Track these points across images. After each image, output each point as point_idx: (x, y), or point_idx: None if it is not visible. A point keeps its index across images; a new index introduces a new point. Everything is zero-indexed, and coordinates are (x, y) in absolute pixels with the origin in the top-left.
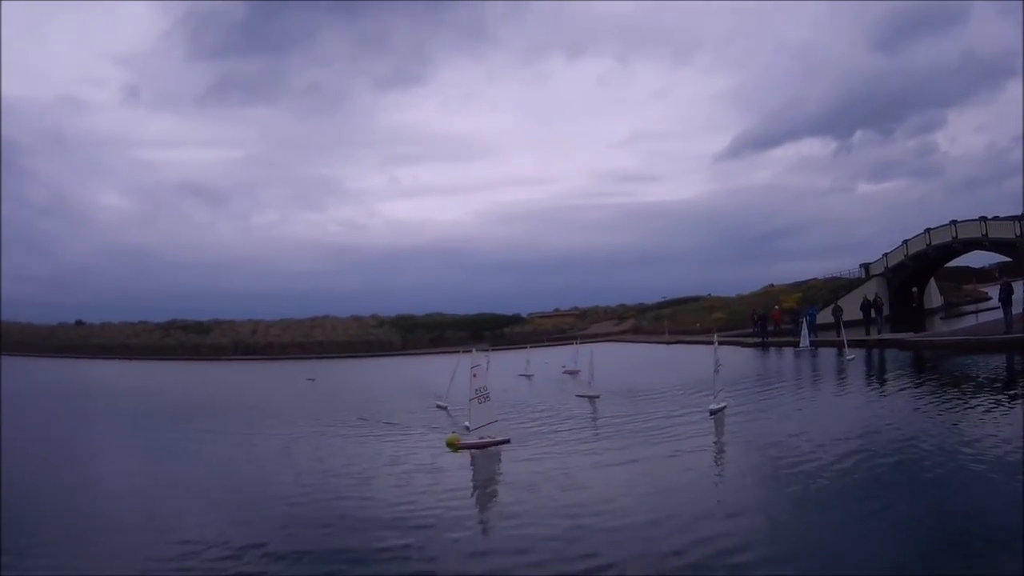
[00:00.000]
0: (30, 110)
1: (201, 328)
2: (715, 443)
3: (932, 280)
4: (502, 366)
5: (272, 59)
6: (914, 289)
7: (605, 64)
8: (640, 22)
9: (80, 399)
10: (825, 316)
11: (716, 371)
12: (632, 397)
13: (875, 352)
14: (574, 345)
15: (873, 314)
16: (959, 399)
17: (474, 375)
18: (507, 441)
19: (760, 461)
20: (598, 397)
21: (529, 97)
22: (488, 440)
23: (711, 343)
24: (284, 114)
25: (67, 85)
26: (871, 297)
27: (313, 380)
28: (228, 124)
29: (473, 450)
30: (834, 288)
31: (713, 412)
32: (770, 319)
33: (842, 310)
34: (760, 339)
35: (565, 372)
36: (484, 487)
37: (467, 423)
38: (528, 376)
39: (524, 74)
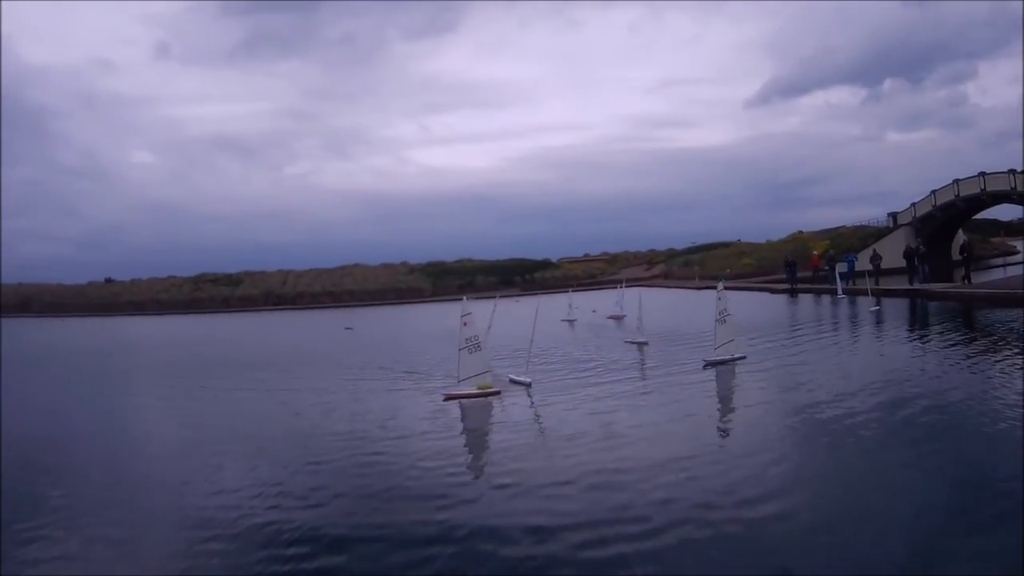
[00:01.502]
0: (61, 75)
1: (231, 280)
2: (730, 394)
3: (960, 231)
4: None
5: (303, 12)
6: (964, 239)
7: (637, 11)
8: None
9: (110, 356)
10: (864, 263)
11: (720, 321)
12: (677, 343)
13: (904, 302)
14: (619, 289)
15: (916, 263)
16: (983, 352)
17: (464, 323)
18: (498, 393)
19: (783, 413)
20: (647, 344)
21: (561, 44)
22: (480, 391)
23: (741, 289)
24: (316, 66)
25: (98, 47)
26: (914, 245)
27: (351, 329)
28: (259, 78)
29: (462, 400)
30: (863, 236)
31: (708, 364)
32: (801, 266)
33: (881, 257)
34: (790, 285)
35: (609, 317)
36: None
37: (513, 375)
38: (571, 321)
39: (556, 21)
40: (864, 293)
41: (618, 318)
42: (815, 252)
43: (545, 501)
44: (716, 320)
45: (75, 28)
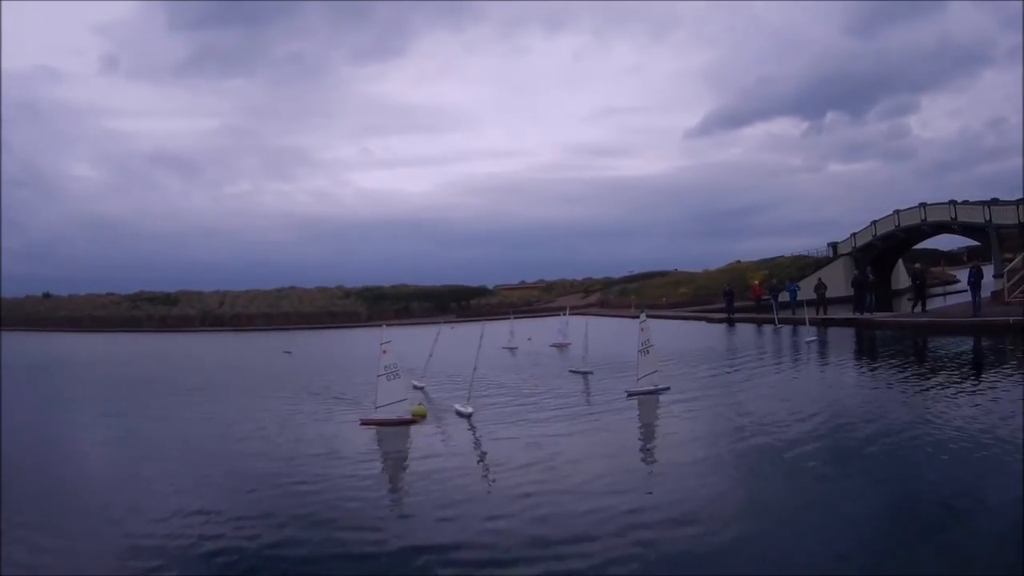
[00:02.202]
0: (6, 80)
1: (168, 299)
2: (662, 428)
3: (900, 261)
4: (471, 339)
5: (252, 30)
6: (917, 265)
7: (582, 39)
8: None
9: (46, 373)
10: (808, 292)
11: (643, 352)
12: (621, 373)
13: (847, 332)
14: (563, 316)
15: (865, 291)
16: (919, 380)
17: (383, 351)
18: (412, 422)
19: (713, 442)
20: (591, 373)
21: (505, 70)
22: (396, 418)
23: (678, 318)
24: (261, 85)
25: (45, 55)
26: (860, 274)
27: (290, 353)
28: (205, 94)
29: (379, 427)
30: (802, 266)
31: (632, 394)
32: (741, 295)
33: (826, 286)
34: (728, 315)
35: (553, 346)
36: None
37: (458, 405)
38: (511, 349)
39: (502, 47)
40: (803, 323)
41: (561, 346)
42: (756, 282)
43: (484, 552)
44: (638, 351)
45: (24, 33)
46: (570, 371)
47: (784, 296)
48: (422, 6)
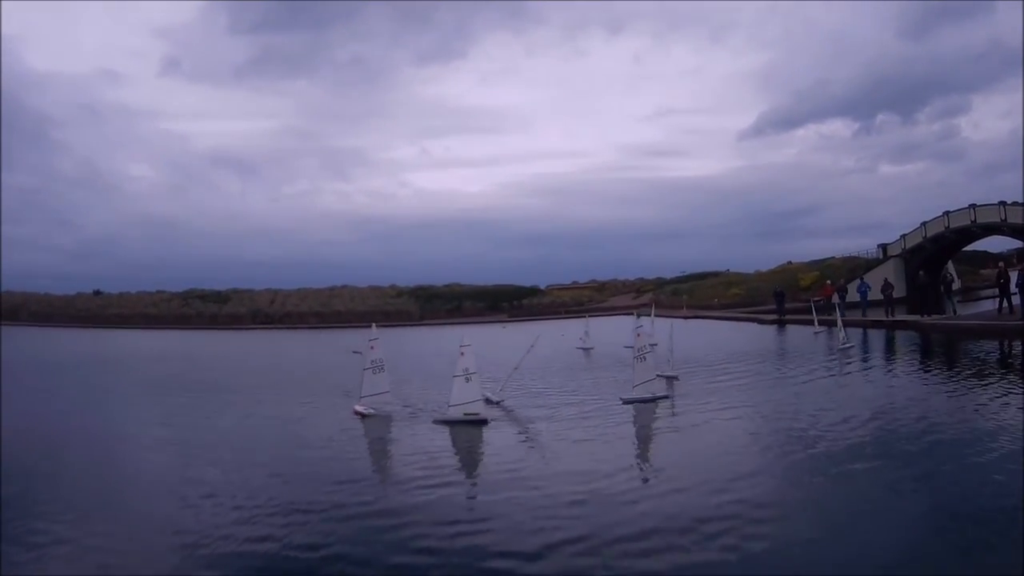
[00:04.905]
0: (66, 83)
1: (219, 297)
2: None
3: (950, 263)
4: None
5: (314, 33)
6: (1001, 264)
7: (642, 42)
8: (679, 1)
9: (93, 369)
10: (875, 292)
11: (639, 359)
12: (715, 378)
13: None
14: (642, 316)
15: (946, 293)
16: (963, 384)
17: (371, 347)
18: (363, 416)
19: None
20: (677, 379)
21: (566, 72)
22: (364, 411)
23: (730, 319)
24: (322, 87)
25: (106, 58)
26: (933, 275)
27: (359, 353)
28: (265, 96)
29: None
30: (852, 267)
31: (627, 402)
32: (787, 296)
33: (893, 286)
34: (778, 316)
35: (629, 347)
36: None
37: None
38: (587, 349)
39: (562, 50)
40: (867, 324)
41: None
42: (828, 282)
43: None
44: (635, 358)
45: (84, 37)
46: (656, 375)
47: (853, 296)
48: (484, 9)
